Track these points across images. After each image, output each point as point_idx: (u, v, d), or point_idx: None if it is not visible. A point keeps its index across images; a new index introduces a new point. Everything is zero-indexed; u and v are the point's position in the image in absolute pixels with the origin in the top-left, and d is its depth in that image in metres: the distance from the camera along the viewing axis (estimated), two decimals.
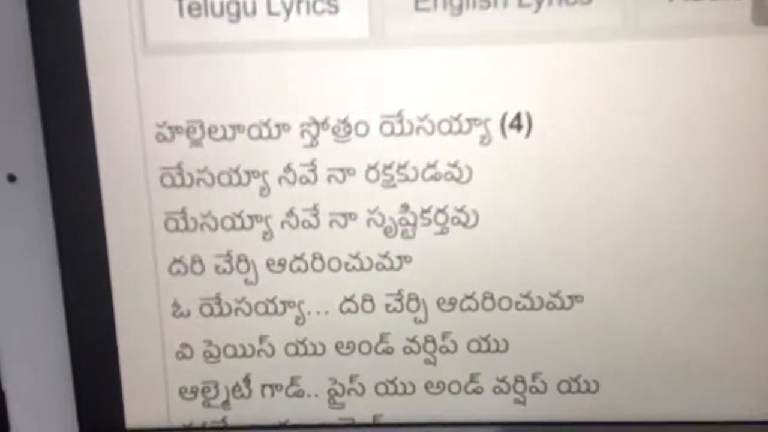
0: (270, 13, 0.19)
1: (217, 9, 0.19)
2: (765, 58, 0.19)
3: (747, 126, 0.19)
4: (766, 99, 0.19)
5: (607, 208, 0.20)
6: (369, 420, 0.22)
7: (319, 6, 0.19)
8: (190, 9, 0.19)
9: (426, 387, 0.22)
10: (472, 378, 0.22)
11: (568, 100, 0.20)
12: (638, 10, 0.19)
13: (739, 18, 0.19)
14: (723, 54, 0.19)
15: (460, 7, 0.19)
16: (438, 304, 0.21)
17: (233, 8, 0.19)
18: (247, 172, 0.20)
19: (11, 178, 0.20)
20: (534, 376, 0.22)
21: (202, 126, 0.20)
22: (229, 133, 0.20)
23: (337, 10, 0.19)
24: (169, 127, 0.20)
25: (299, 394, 0.22)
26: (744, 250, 0.20)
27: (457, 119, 0.20)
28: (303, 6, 0.19)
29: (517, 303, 0.21)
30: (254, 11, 0.19)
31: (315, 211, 0.21)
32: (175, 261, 0.21)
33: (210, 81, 0.20)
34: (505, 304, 0.21)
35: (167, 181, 0.20)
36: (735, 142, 0.20)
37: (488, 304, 0.21)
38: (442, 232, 0.21)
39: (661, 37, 0.19)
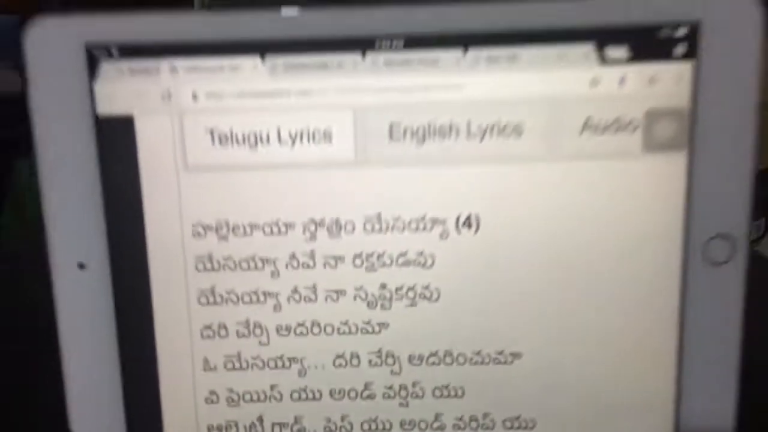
0: (280, 142, 0.25)
1: (240, 139, 0.25)
2: (651, 177, 0.25)
3: (636, 230, 0.26)
4: (652, 209, 0.26)
5: (537, 288, 0.26)
6: None
7: (317, 137, 0.25)
8: (219, 140, 0.25)
9: (401, 425, 0.28)
10: (437, 417, 0.28)
11: (506, 206, 0.26)
12: (558, 141, 0.25)
13: (632, 147, 0.25)
14: (620, 173, 0.25)
15: (423, 138, 0.25)
16: (409, 359, 0.27)
17: (252, 139, 0.25)
18: (262, 260, 0.26)
19: (81, 266, 0.26)
20: (484, 416, 0.28)
21: (227, 225, 0.26)
22: (248, 231, 0.26)
23: (331, 140, 0.25)
24: (202, 226, 0.26)
25: (302, 431, 0.28)
26: (639, 317, 0.26)
27: (422, 219, 0.26)
28: (305, 137, 0.25)
29: (471, 359, 0.27)
30: (268, 141, 0.25)
31: (314, 289, 0.27)
32: (206, 327, 0.27)
33: (234, 191, 0.26)
34: (461, 359, 0.27)
35: (200, 266, 0.27)
36: (628, 241, 0.26)
37: (448, 359, 0.27)
38: (412, 305, 0.27)
39: (574, 161, 0.25)
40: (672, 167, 0.25)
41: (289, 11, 0.24)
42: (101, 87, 0.25)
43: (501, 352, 0.27)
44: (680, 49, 0.24)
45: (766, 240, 1.21)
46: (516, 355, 0.27)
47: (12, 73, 1.15)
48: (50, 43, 0.24)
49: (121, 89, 0.25)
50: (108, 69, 0.25)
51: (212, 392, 0.27)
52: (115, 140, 0.25)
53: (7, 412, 0.33)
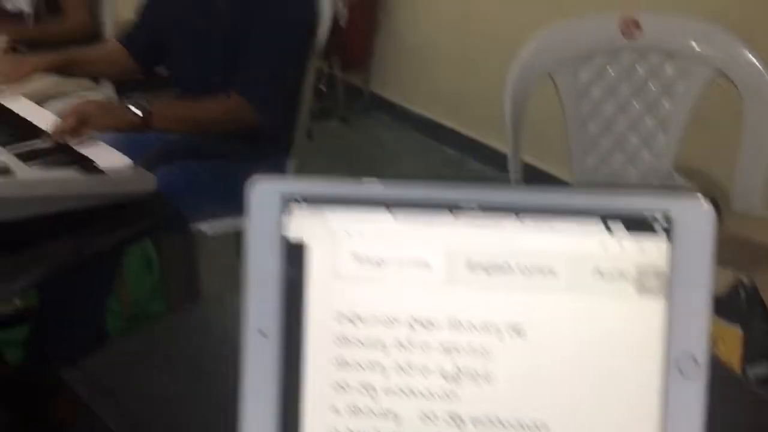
0: (398, 266, 0.40)
1: (374, 261, 0.40)
2: (641, 312, 0.38)
3: (631, 347, 0.38)
4: (641, 333, 0.38)
5: (561, 380, 0.39)
6: None
7: (420, 265, 0.39)
8: (359, 260, 0.40)
9: None
10: None
11: (542, 321, 0.39)
12: (578, 281, 0.38)
13: (628, 290, 0.38)
14: (620, 307, 0.38)
15: (489, 272, 0.39)
16: (471, 421, 0.40)
17: (381, 262, 0.40)
18: (378, 341, 0.40)
19: (263, 334, 0.41)
20: None
21: (358, 316, 0.40)
22: (371, 321, 0.40)
23: (430, 267, 0.39)
24: (341, 315, 0.40)
25: None
26: (633, 408, 0.38)
27: (486, 325, 0.39)
28: (413, 264, 0.40)
29: (512, 424, 0.39)
30: (391, 263, 0.40)
31: (410, 364, 0.40)
32: (337, 383, 0.40)
33: (364, 294, 0.40)
34: (506, 423, 0.39)
35: (337, 342, 0.40)
36: (625, 354, 0.38)
37: (497, 422, 0.40)
38: (475, 382, 0.40)
39: (588, 295, 0.38)
40: (655, 306, 0.38)
41: (412, 183, 0.39)
42: (289, 221, 0.40)
43: (534, 421, 0.39)
44: (660, 228, 0.37)
45: None
46: (543, 425, 0.39)
47: (143, 172, 1.30)
48: (262, 193, 0.40)
49: (301, 224, 0.40)
50: (295, 210, 0.40)
51: (336, 429, 0.41)
52: (295, 255, 0.40)
53: None
